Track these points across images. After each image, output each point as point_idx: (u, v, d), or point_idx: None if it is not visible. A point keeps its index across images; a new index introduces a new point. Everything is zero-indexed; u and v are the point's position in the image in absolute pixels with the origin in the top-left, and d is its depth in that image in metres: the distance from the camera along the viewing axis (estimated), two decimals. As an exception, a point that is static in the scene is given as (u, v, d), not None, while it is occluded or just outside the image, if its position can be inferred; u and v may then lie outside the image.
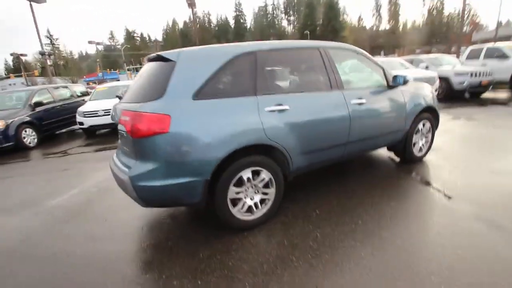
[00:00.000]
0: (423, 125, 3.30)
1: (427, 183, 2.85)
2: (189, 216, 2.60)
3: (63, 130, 8.23)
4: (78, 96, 8.84)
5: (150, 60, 2.34)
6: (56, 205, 3.10)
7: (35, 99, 7.05)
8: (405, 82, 2.89)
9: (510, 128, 4.72)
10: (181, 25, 74.40)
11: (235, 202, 2.14)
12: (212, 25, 74.15)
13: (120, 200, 2.95)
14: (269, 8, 71.28)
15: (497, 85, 8.72)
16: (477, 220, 2.14)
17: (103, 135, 7.40)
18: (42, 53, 17.90)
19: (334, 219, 2.30)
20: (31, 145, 6.48)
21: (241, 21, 72.44)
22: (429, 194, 2.65)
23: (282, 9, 71.30)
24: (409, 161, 3.35)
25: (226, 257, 1.94)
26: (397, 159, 3.54)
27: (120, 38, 74.40)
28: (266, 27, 68.62)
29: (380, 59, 9.61)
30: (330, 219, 2.31)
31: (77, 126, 7.54)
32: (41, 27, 17.03)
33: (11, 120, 6.19)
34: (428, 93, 3.33)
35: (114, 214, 2.78)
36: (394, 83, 2.92)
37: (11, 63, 65.49)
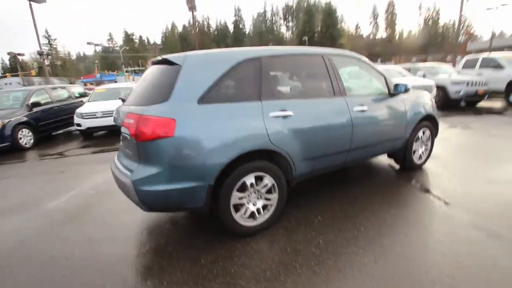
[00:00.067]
0: (423, 133, 3.34)
1: (427, 191, 2.87)
2: (189, 221, 2.58)
3: (60, 131, 8.15)
4: (76, 97, 8.78)
5: (155, 63, 2.34)
6: (54, 207, 3.05)
7: (33, 99, 6.98)
8: (406, 90, 2.93)
9: (505, 138, 4.79)
10: (180, 28, 74.75)
11: (237, 207, 2.13)
12: (211, 29, 74.59)
13: (119, 203, 2.93)
14: (268, 14, 72.02)
15: (492, 94, 8.89)
16: (476, 229, 2.17)
17: (100, 137, 7.34)
18: (40, 53, 17.78)
19: (337, 225, 2.30)
20: (27, 146, 6.40)
21: (240, 26, 72.99)
22: (428, 201, 2.67)
23: (281, 15, 72.03)
24: (409, 168, 3.37)
25: (229, 263, 1.92)
26: (397, 166, 3.56)
27: (119, 40, 74.37)
28: (265, 32, 69.15)
29: (378, 67, 9.73)
30: (333, 225, 2.31)
31: (74, 127, 7.48)
32: (39, 27, 16.98)
33: (7, 120, 6.12)
34: (428, 102, 3.38)
35: (113, 217, 2.74)
36: (395, 91, 2.96)
37: (7, 62, 65.03)
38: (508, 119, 6.46)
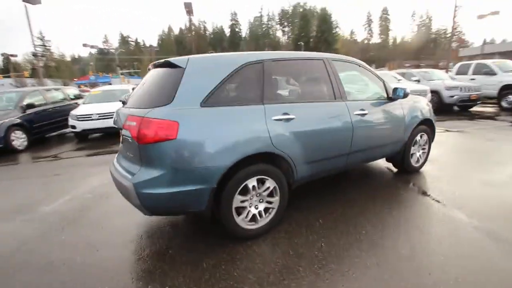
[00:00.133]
0: (421, 136, 3.39)
1: (425, 194, 2.90)
2: (189, 224, 2.55)
3: (54, 133, 8.03)
4: (71, 99, 8.67)
5: (157, 66, 2.33)
6: (50, 211, 2.99)
7: (27, 100, 6.87)
8: (405, 95, 2.97)
9: (499, 141, 4.89)
10: (176, 31, 74.74)
11: (239, 210, 2.12)
12: (208, 33, 74.77)
13: (116, 207, 2.89)
14: (264, 19, 72.61)
15: (484, 99, 9.08)
16: (476, 230, 2.20)
17: (95, 140, 7.25)
18: (34, 54, 17.58)
19: (339, 228, 2.31)
20: (20, 148, 6.28)
21: (236, 30, 73.36)
22: (428, 204, 2.70)
23: (277, 20, 72.71)
24: (407, 171, 3.41)
25: (231, 267, 1.90)
26: (394, 169, 3.60)
27: (115, 42, 74.00)
28: (261, 36, 69.63)
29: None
30: (335, 228, 2.31)
31: (68, 130, 7.37)
32: (34, 28, 16.79)
33: (0, 122, 6.01)
34: (425, 106, 3.44)
35: (111, 221, 2.70)
36: (394, 95, 3.00)
37: (1, 63, 63.98)
38: (501, 123, 6.59)
